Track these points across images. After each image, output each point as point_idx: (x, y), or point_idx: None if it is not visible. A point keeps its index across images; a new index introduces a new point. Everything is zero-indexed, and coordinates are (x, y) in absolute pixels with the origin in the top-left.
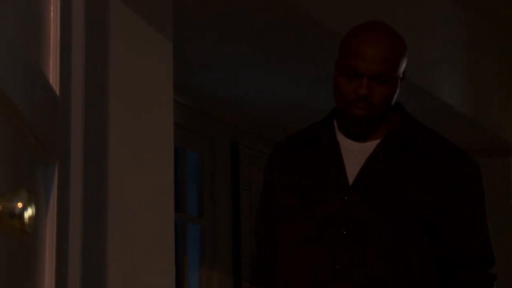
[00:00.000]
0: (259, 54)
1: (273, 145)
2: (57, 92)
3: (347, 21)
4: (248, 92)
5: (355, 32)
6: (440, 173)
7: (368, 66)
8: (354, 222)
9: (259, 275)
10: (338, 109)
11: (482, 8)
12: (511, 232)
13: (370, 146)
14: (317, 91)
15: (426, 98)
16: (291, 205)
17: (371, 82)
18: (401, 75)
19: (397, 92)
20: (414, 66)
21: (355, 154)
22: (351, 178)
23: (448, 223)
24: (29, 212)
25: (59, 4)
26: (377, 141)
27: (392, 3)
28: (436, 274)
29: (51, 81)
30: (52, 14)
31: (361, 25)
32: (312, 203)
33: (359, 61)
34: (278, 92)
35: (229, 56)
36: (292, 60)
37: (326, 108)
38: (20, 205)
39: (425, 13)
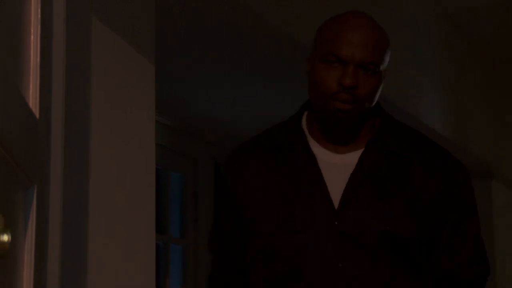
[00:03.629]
0: (242, 74)
1: (228, 155)
2: (37, 115)
3: None
4: (231, 112)
5: (337, 19)
6: (434, 183)
7: (354, 52)
8: (348, 252)
9: None
10: (314, 108)
11: (464, 29)
12: (493, 254)
13: (351, 158)
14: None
15: (408, 120)
16: (266, 233)
17: (357, 72)
18: (383, 73)
19: (380, 91)
20: (396, 88)
21: (335, 168)
22: (335, 199)
23: (448, 237)
24: (5, 237)
25: (39, 27)
26: (358, 152)
27: None
28: None
29: (30, 104)
30: (32, 37)
31: (341, 13)
32: (294, 232)
33: (344, 46)
34: (262, 112)
35: (212, 76)
36: (276, 80)
37: None
38: None
39: (406, 35)
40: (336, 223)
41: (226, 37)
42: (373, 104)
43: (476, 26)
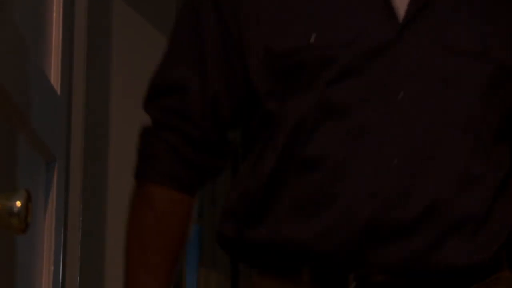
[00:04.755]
0: None
1: None
2: (58, 92)
3: None
4: None
5: None
6: None
7: None
8: (412, 77)
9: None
10: None
11: None
12: None
13: None
14: None
15: None
16: (288, 50)
17: None
18: None
19: None
20: None
21: None
22: (398, 6)
23: None
24: (27, 211)
25: (61, 4)
26: None
27: None
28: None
29: (52, 80)
30: (54, 14)
31: None
32: (333, 47)
33: None
34: None
35: None
36: None
37: None
38: (18, 203)
39: None
40: (399, 38)
41: None
42: None
43: None
